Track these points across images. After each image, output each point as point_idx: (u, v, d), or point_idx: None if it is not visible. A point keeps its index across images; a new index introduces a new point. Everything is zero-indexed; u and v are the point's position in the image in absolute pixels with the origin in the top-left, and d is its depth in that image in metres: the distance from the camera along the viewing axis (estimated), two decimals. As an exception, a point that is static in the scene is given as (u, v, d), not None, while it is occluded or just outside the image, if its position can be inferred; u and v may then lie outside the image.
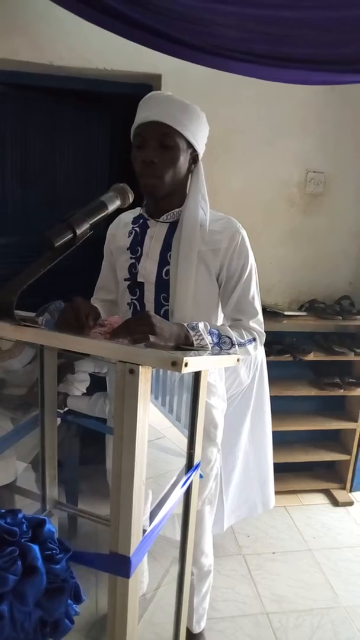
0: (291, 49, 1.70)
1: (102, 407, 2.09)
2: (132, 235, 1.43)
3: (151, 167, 1.26)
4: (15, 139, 2.57)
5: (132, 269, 1.41)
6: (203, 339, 1.19)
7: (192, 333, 1.19)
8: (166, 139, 1.26)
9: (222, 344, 1.26)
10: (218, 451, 1.56)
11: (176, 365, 0.74)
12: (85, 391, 2.23)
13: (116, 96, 2.46)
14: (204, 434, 1.19)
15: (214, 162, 2.42)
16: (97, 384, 2.23)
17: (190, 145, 1.30)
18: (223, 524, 1.97)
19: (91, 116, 2.69)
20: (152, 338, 1.05)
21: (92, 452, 2.13)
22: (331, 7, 1.45)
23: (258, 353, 1.80)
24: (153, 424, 1.41)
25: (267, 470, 2.02)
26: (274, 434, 2.06)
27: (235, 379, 1.76)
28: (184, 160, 1.30)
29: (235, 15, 1.60)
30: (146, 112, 1.27)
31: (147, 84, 2.35)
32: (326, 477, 2.89)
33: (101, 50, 2.21)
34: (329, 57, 1.69)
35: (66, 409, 2.16)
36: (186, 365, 0.75)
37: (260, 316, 1.41)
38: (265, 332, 1.42)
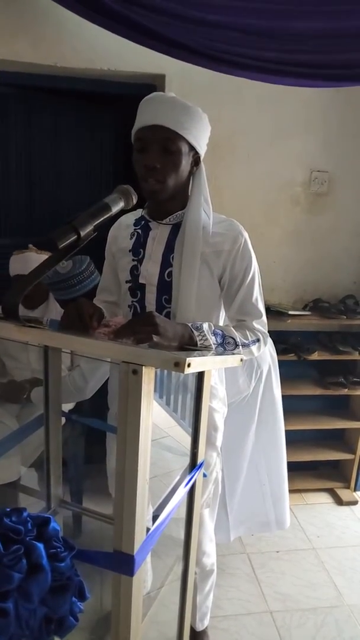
0: (295, 55, 1.75)
1: (74, 385, 1.92)
2: (134, 237, 1.43)
3: (154, 172, 1.25)
4: (20, 140, 2.57)
5: (134, 271, 1.41)
6: (207, 339, 1.20)
7: (196, 333, 1.19)
8: (169, 144, 1.25)
9: (226, 345, 1.27)
10: (218, 455, 1.55)
11: (179, 365, 0.75)
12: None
13: (120, 97, 2.46)
14: (204, 437, 1.19)
15: (219, 162, 2.42)
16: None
17: (192, 147, 1.30)
18: (229, 534, 1.93)
19: (95, 117, 2.69)
20: (155, 338, 1.06)
21: (97, 451, 2.14)
22: (331, 18, 1.51)
23: (263, 365, 1.77)
24: (157, 423, 1.42)
25: (282, 487, 1.95)
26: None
27: (232, 386, 1.71)
28: (186, 163, 1.30)
29: (238, 25, 1.64)
30: (148, 114, 1.26)
31: (151, 85, 2.36)
32: (330, 476, 2.89)
33: (105, 51, 2.21)
34: (331, 62, 1.74)
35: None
36: (189, 365, 0.76)
37: (264, 317, 1.41)
38: (269, 331, 1.42)
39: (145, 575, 1.76)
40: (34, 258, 2.04)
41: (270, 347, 1.77)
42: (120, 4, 1.73)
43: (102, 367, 1.75)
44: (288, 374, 2.64)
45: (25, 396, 2.07)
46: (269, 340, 1.46)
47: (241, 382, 1.73)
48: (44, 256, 2.01)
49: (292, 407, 2.66)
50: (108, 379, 1.64)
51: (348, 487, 2.82)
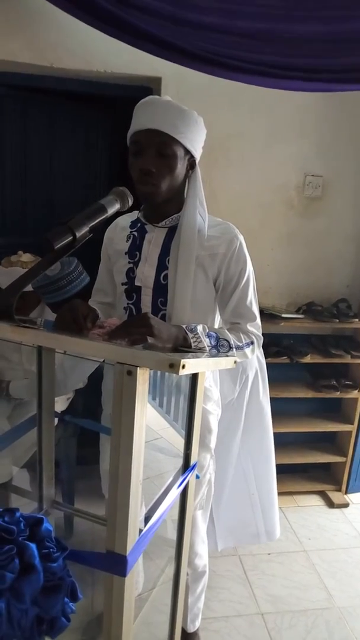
0: (290, 59, 1.76)
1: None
2: (130, 240, 1.43)
3: (149, 175, 1.26)
4: (15, 140, 2.57)
5: (130, 273, 1.41)
6: (201, 341, 1.20)
7: (190, 335, 1.20)
8: (164, 148, 1.25)
9: (220, 347, 1.27)
10: (211, 457, 1.55)
11: (174, 367, 0.75)
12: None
13: (116, 98, 2.47)
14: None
15: (213, 165, 2.43)
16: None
17: (187, 151, 1.30)
18: (216, 543, 1.91)
19: (90, 118, 2.69)
20: (150, 339, 1.06)
21: (89, 452, 2.13)
22: (326, 22, 1.52)
23: (249, 370, 1.73)
24: (150, 425, 1.42)
25: (271, 497, 1.91)
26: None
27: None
28: (181, 167, 1.31)
29: (233, 28, 1.65)
30: (143, 118, 1.26)
31: (147, 87, 2.36)
32: (322, 478, 2.90)
33: (101, 52, 2.21)
34: (326, 66, 1.75)
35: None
36: (184, 367, 0.76)
37: (258, 320, 1.42)
38: (262, 334, 1.43)
39: (137, 577, 1.76)
40: (20, 273, 2.00)
41: (258, 353, 1.72)
42: (113, 4, 1.73)
43: (82, 362, 1.71)
44: (281, 376, 2.66)
45: (4, 393, 2.04)
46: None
47: (225, 386, 1.69)
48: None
49: (284, 409, 2.68)
50: (102, 380, 1.63)
51: (339, 490, 2.83)
